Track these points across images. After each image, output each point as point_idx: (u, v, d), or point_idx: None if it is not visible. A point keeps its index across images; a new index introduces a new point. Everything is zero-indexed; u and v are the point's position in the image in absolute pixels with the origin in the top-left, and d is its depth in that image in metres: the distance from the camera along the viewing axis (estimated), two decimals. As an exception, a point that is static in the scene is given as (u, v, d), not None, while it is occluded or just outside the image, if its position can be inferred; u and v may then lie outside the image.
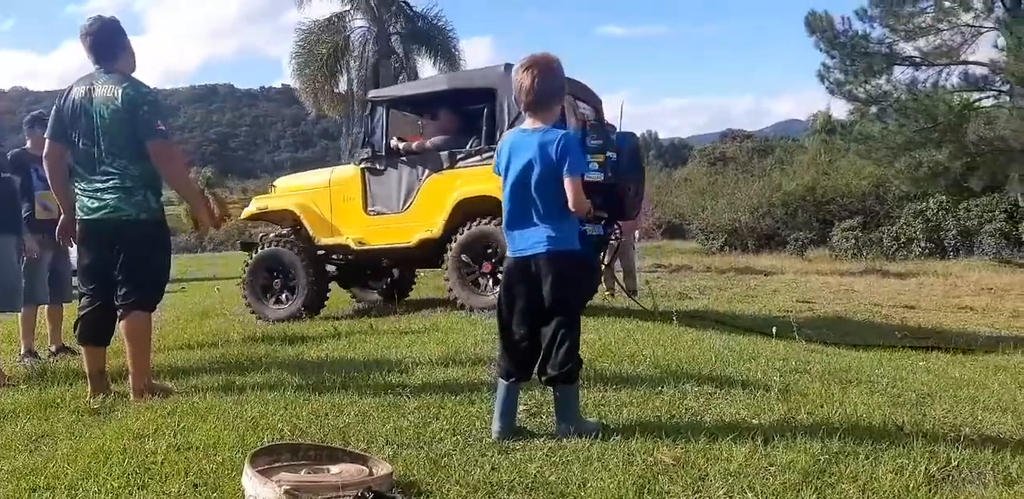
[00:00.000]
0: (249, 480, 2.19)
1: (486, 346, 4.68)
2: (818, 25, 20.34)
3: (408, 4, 24.75)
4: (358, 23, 24.65)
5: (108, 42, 3.68)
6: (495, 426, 2.81)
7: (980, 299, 10.30)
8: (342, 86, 24.82)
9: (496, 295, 5.54)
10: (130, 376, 3.60)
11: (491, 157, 5.94)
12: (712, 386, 3.55)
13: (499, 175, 2.96)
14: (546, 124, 2.88)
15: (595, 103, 6.98)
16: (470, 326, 5.60)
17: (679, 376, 3.74)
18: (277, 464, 2.36)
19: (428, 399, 3.32)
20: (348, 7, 24.30)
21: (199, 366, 4.33)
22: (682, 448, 2.65)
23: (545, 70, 2.84)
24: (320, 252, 7.12)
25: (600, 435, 2.75)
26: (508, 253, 2.95)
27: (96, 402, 3.50)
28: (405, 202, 6.69)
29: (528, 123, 2.92)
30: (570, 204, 2.78)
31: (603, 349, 4.50)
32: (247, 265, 7.20)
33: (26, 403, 3.53)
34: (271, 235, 7.38)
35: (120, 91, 3.52)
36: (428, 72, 24.22)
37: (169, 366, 4.40)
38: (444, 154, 6.49)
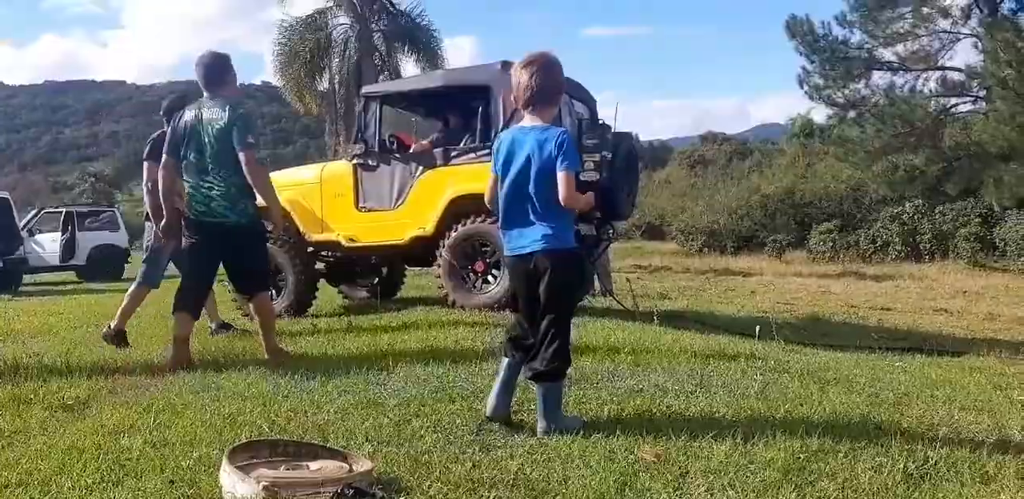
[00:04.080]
0: (227, 476, 2.16)
1: (466, 343, 4.67)
2: (798, 30, 20.53)
3: (391, 2, 24.62)
4: (340, 20, 24.48)
5: (218, 73, 4.39)
6: (490, 402, 2.88)
7: (955, 302, 10.45)
8: (324, 84, 24.67)
9: (488, 293, 5.54)
10: (263, 339, 4.45)
11: (486, 155, 5.95)
12: (692, 384, 3.56)
13: (496, 174, 2.97)
14: (544, 122, 2.90)
15: (590, 103, 6.96)
16: (451, 325, 5.58)
17: (659, 375, 3.75)
18: (256, 460, 2.33)
19: (408, 396, 3.30)
20: (331, 4, 24.15)
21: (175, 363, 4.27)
22: (663, 446, 2.65)
23: (545, 67, 2.87)
24: (309, 249, 7.02)
25: (582, 432, 2.75)
26: (505, 252, 2.98)
27: (172, 371, 3.99)
28: (398, 199, 6.61)
29: (527, 120, 2.94)
30: (561, 198, 2.79)
31: (584, 348, 4.50)
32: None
33: (-2, 399, 3.46)
34: None
35: (224, 113, 4.21)
36: (410, 71, 24.16)
37: (145, 362, 4.34)
38: (438, 151, 6.43)
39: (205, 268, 4.41)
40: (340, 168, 7.04)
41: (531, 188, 2.83)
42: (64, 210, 18.29)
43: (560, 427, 2.80)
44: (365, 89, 7.45)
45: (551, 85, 2.89)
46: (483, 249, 6.20)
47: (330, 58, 24.25)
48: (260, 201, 4.44)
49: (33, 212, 18.49)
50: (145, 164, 5.18)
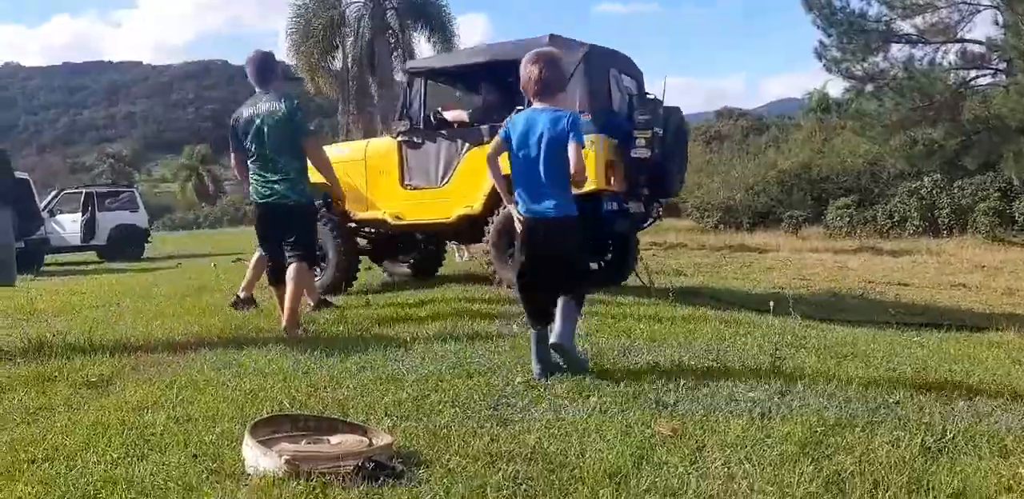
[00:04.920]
0: (250, 450, 2.20)
1: (483, 321, 4.70)
2: (816, 2, 20.12)
3: (404, -22, 24.43)
4: (353, -4, 24.35)
5: (267, 69, 4.83)
6: (536, 368, 3.26)
7: (973, 276, 10.36)
8: (337, 63, 24.59)
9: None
10: (285, 312, 4.62)
11: None
12: (709, 360, 3.57)
13: (504, 141, 3.38)
14: (551, 105, 3.33)
15: (637, 77, 6.83)
16: (467, 302, 5.62)
17: (676, 350, 3.76)
18: (277, 435, 2.36)
19: (426, 372, 3.34)
20: (343, -20, 23.97)
21: (197, 340, 4.33)
22: (679, 420, 2.67)
23: (550, 63, 3.34)
24: (351, 226, 6.93)
25: (595, 401, 2.78)
26: (521, 211, 3.36)
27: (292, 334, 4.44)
28: (444, 176, 6.48)
29: (536, 104, 3.36)
30: (572, 166, 3.20)
31: (600, 324, 4.52)
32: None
33: (23, 376, 3.52)
34: None
35: (280, 105, 4.63)
36: (423, 49, 24.04)
37: (166, 340, 4.40)
38: (485, 128, 6.23)
39: (277, 246, 4.83)
40: (384, 145, 6.93)
41: (543, 160, 3.26)
42: (84, 191, 18.45)
43: (570, 356, 3.27)
44: (410, 64, 7.30)
45: (556, 78, 3.37)
46: None
47: (343, 36, 24.16)
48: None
49: (53, 193, 18.65)
50: (307, 140, 5.06)
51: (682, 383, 3.16)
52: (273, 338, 4.29)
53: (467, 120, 6.72)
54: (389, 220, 6.68)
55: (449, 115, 6.80)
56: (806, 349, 3.94)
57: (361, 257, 7.20)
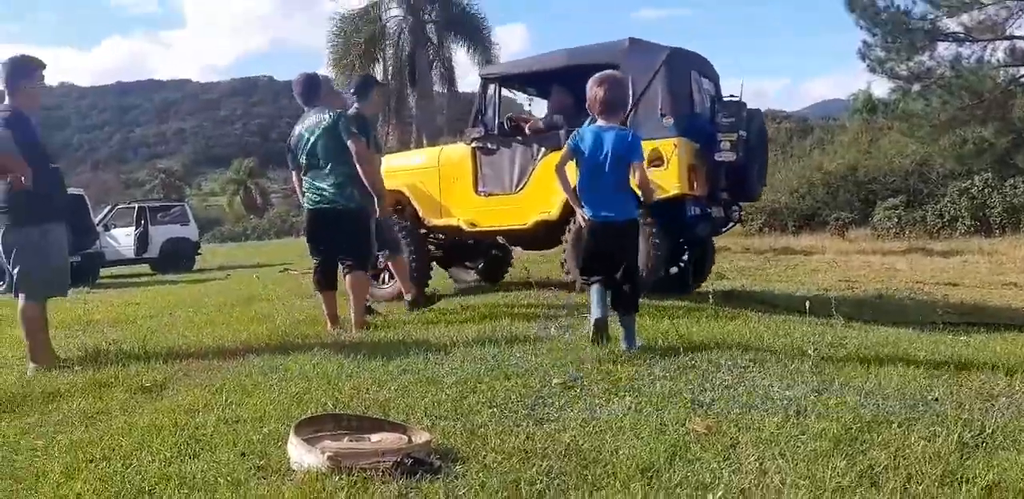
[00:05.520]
0: (294, 448, 2.29)
1: (522, 324, 4.75)
2: (859, 2, 19.86)
3: (442, -9, 24.73)
4: (394, 12, 24.74)
5: (310, 90, 5.16)
6: (595, 313, 3.79)
7: (1027, 276, 10.10)
8: (378, 76, 24.96)
9: None
10: (352, 314, 5.01)
11: None
12: (746, 360, 3.58)
13: (572, 151, 3.83)
14: (616, 124, 3.83)
15: (715, 79, 6.82)
16: (507, 308, 5.68)
17: (713, 351, 3.77)
18: (320, 433, 2.45)
19: (465, 375, 3.39)
20: (384, -5, 24.34)
21: (245, 347, 4.46)
22: (714, 418, 2.69)
23: (615, 85, 3.81)
24: (422, 232, 6.93)
25: (634, 406, 2.81)
26: (588, 215, 3.84)
27: (334, 332, 4.91)
28: (519, 182, 6.47)
29: (602, 122, 3.81)
30: (638, 182, 3.79)
31: (640, 325, 4.53)
32: None
33: (81, 383, 3.68)
34: None
35: (325, 116, 4.96)
36: (462, 61, 24.32)
37: (216, 347, 4.55)
38: (562, 133, 6.15)
39: (328, 250, 5.08)
40: (458, 152, 6.92)
41: (608, 171, 3.74)
42: (136, 205, 19.03)
43: (636, 346, 3.77)
44: (483, 70, 7.27)
45: (620, 98, 3.89)
46: None
47: (384, 49, 24.52)
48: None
49: (107, 208, 19.29)
50: (351, 143, 5.07)
51: (718, 382, 3.18)
52: (318, 343, 4.40)
53: (541, 127, 6.68)
54: (464, 227, 6.66)
55: (528, 126, 6.75)
56: (846, 348, 3.92)
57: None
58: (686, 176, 5.71)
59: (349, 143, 4.88)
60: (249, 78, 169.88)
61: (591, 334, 3.83)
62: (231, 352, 4.29)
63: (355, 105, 5.80)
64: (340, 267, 5.14)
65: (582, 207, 3.88)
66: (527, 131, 6.70)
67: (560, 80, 6.56)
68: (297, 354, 4.05)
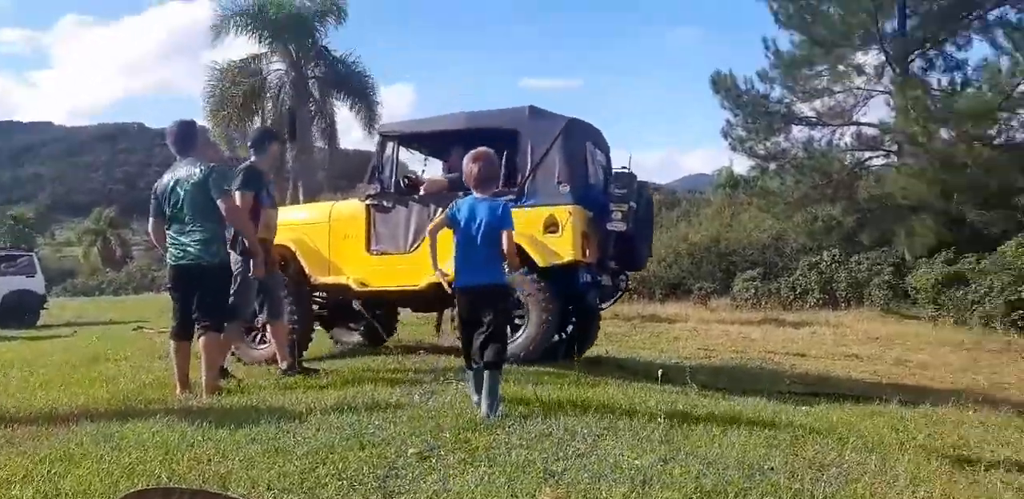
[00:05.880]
0: (116, 526, 2.12)
1: (385, 391, 4.66)
2: (723, 84, 21.43)
3: (327, 49, 24.80)
4: (275, 66, 24.51)
5: (185, 139, 4.99)
6: (474, 398, 4.07)
7: (867, 347, 10.85)
8: (256, 129, 24.54)
9: (515, 342, 5.78)
10: (204, 378, 4.81)
11: (510, 201, 5.92)
12: (601, 428, 3.64)
13: (450, 220, 4.14)
14: (489, 195, 4.16)
15: (606, 150, 6.97)
16: (369, 373, 5.56)
17: (570, 419, 3.82)
18: (148, 509, 2.29)
19: (317, 444, 3.28)
20: (265, 50, 24.15)
21: (81, 412, 4.16)
22: (564, 488, 2.71)
23: (487, 162, 4.15)
24: (308, 291, 6.66)
25: (487, 477, 2.79)
26: (457, 284, 4.12)
27: (181, 397, 4.70)
28: (414, 242, 6.35)
29: (477, 194, 4.14)
30: (505, 248, 4.02)
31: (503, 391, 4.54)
32: None
33: None
34: None
35: (196, 169, 4.80)
36: (345, 118, 24.32)
37: (48, 411, 4.21)
38: (461, 194, 6.17)
39: (189, 307, 4.91)
40: (351, 208, 6.77)
41: (480, 240, 4.02)
42: (-22, 254, 17.61)
43: (496, 414, 3.85)
44: (382, 127, 7.12)
45: (492, 173, 4.22)
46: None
47: (263, 103, 24.18)
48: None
49: (-55, 256, 17.73)
50: (238, 194, 5.24)
51: (572, 451, 3.21)
52: (163, 409, 4.15)
53: (446, 186, 6.57)
54: (353, 286, 6.47)
55: (428, 186, 6.65)
56: (695, 417, 4.05)
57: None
58: (580, 243, 5.84)
59: (219, 202, 4.76)
60: (119, 124, 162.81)
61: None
62: (63, 417, 3.99)
63: (251, 158, 5.69)
64: (196, 327, 4.91)
65: (439, 271, 4.22)
66: (420, 190, 6.62)
67: (458, 142, 6.52)
68: (137, 421, 3.80)
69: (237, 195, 5.23)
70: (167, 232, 4.92)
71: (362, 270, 6.52)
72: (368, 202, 6.59)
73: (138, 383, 5.30)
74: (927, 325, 14.91)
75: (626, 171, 6.29)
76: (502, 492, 2.67)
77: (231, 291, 5.16)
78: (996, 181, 18.65)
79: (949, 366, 9.22)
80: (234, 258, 5.25)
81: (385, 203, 6.55)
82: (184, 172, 4.85)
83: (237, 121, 23.38)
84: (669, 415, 3.89)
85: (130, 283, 50.80)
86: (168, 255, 4.95)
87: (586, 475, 2.87)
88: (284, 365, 5.62)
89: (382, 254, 6.52)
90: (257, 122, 24.17)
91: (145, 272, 50.69)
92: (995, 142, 19.24)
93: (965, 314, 14.90)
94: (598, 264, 6.20)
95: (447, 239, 4.25)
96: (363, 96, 24.58)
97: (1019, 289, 14.49)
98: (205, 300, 4.86)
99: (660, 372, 4.59)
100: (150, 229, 5.13)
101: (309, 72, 24.64)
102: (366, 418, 3.83)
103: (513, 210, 5.14)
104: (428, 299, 6.47)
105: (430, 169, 7.40)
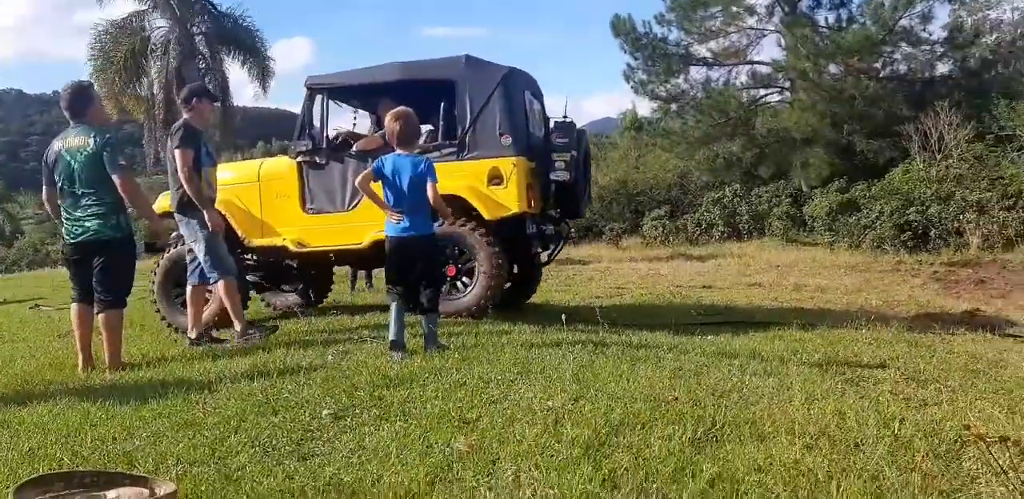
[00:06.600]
0: (15, 514, 2.06)
1: (296, 354, 4.60)
2: (622, 28, 21.52)
3: (212, 3, 23.62)
4: (159, 23, 23.22)
5: (79, 102, 4.69)
6: (392, 334, 4.40)
7: (769, 276, 11.33)
8: (144, 89, 23.31)
9: (460, 300, 5.92)
10: (106, 355, 4.65)
11: (451, 153, 5.88)
12: (514, 373, 3.71)
13: (376, 173, 4.48)
14: (412, 152, 4.54)
15: (540, 98, 6.84)
16: (283, 336, 5.47)
17: (484, 366, 3.87)
18: (48, 495, 2.22)
19: (228, 414, 3.23)
20: (146, 6, 22.79)
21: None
22: (479, 435, 2.76)
23: (408, 120, 4.48)
24: (240, 254, 6.31)
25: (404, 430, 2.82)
26: (387, 233, 4.53)
27: (83, 375, 4.51)
28: (352, 200, 6.13)
29: (400, 151, 4.49)
30: (431, 199, 4.41)
31: (413, 345, 4.56)
32: (155, 270, 6.38)
33: None
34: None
35: (91, 140, 4.54)
36: (237, 74, 23.30)
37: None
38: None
39: (89, 278, 4.68)
40: (281, 166, 6.45)
41: (407, 193, 4.39)
42: None
43: (435, 346, 4.40)
44: (310, 79, 6.57)
45: (413, 131, 4.61)
46: (459, 253, 5.89)
47: (148, 62, 22.94)
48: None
49: None
50: (178, 152, 5.15)
51: (486, 398, 3.27)
52: (63, 390, 3.99)
53: (382, 143, 6.15)
54: (290, 246, 6.22)
55: (360, 143, 6.35)
56: (605, 355, 4.17)
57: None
58: (525, 195, 5.81)
59: (115, 177, 4.51)
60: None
61: (390, 352, 4.31)
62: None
63: (184, 117, 5.41)
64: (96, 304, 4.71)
65: (390, 211, 4.48)
66: (362, 146, 6.30)
67: (392, 94, 6.29)
68: (37, 404, 3.64)
69: (177, 153, 5.13)
70: (62, 207, 4.67)
71: (299, 230, 6.29)
72: (300, 159, 6.32)
73: (36, 364, 5.06)
74: (824, 250, 15.65)
75: (567, 120, 6.24)
76: (417, 444, 2.70)
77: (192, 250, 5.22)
78: (882, 112, 19.55)
79: (844, 288, 9.72)
80: (182, 218, 5.25)
81: (318, 160, 6.28)
82: (76, 141, 4.57)
83: (122, 81, 22.13)
84: (579, 354, 3.98)
85: (22, 259, 48.11)
86: (64, 231, 4.70)
87: (500, 420, 2.93)
88: (194, 333, 5.46)
89: (319, 213, 6.29)
90: (145, 82, 23.01)
91: (38, 247, 48.06)
92: (880, 75, 20.08)
93: (858, 238, 15.70)
94: (541, 213, 6.22)
95: (380, 188, 4.53)
96: (254, 52, 23.64)
97: (906, 212, 15.36)
98: (106, 275, 4.64)
99: (563, 316, 4.69)
100: (44, 199, 4.87)
101: (194, 28, 23.43)
102: (279, 383, 3.78)
103: (456, 163, 5.79)
104: (372, 257, 6.31)
105: (361, 124, 7.15)
